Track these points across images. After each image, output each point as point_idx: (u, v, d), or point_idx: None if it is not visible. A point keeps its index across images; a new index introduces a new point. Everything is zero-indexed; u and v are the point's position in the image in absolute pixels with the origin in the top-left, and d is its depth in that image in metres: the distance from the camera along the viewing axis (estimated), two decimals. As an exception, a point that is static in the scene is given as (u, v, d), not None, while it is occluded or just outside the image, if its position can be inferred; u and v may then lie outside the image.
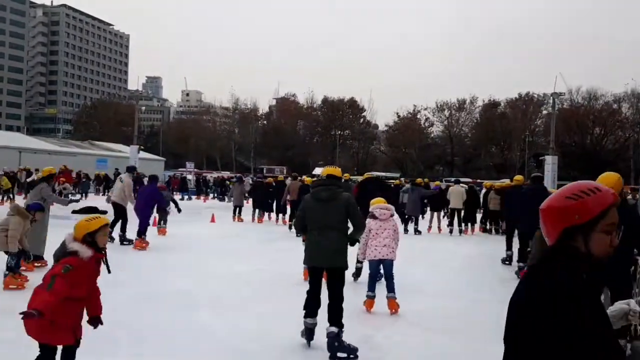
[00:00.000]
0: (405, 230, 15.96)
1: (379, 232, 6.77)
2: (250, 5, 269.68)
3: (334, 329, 5.05)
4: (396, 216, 7.56)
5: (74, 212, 16.46)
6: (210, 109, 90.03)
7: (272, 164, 68.02)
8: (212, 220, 18.11)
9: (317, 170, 47.34)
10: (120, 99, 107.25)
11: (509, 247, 11.14)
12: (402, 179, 33.04)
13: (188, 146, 77.44)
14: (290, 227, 15.18)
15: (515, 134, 67.59)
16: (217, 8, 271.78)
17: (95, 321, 3.77)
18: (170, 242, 12.41)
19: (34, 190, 9.38)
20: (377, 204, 7.03)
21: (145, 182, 16.05)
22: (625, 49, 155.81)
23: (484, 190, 18.89)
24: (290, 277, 8.27)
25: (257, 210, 18.73)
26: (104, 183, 32.64)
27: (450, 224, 16.96)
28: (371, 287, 6.78)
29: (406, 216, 16.72)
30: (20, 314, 3.36)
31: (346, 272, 5.39)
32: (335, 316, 5.12)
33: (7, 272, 7.38)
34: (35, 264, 8.55)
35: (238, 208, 19.14)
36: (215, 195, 35.16)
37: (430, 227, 17.09)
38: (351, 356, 5.03)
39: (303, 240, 6.12)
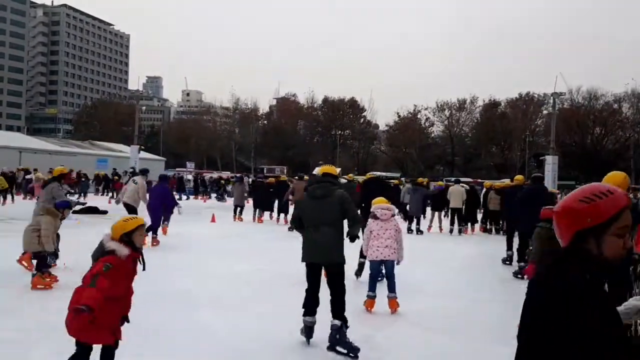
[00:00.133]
0: (409, 230, 15.94)
1: (380, 233, 6.77)
2: (251, 5, 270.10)
3: (337, 322, 5.17)
4: (397, 217, 7.57)
5: (74, 212, 16.46)
6: (211, 109, 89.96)
7: (272, 164, 68.00)
8: (213, 220, 18.11)
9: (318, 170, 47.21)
10: (121, 99, 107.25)
11: (509, 247, 11.13)
12: (403, 178, 33.07)
13: (188, 146, 77.43)
14: (291, 229, 15.18)
15: (515, 134, 67.53)
16: (218, 8, 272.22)
17: (123, 320, 3.84)
18: (170, 242, 12.41)
19: (46, 190, 9.40)
20: (379, 204, 7.02)
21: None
22: (626, 48, 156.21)
23: (484, 190, 18.91)
24: (290, 277, 8.26)
25: (257, 210, 18.77)
26: (104, 183, 32.64)
27: (451, 223, 16.99)
28: (372, 287, 6.78)
29: (409, 216, 16.76)
30: (70, 309, 3.39)
31: (345, 266, 5.45)
32: (338, 310, 5.22)
33: (35, 272, 7.41)
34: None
35: (239, 208, 19.16)
36: (212, 194, 35.17)
37: (430, 226, 17.11)
38: (350, 354, 5.06)
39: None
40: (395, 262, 6.75)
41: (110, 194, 29.09)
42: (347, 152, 79.73)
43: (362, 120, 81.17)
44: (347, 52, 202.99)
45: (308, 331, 5.34)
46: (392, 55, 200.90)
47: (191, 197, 33.25)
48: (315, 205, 5.39)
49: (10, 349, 4.93)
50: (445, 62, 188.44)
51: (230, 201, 30.35)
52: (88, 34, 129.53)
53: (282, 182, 19.72)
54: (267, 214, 18.99)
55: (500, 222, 16.45)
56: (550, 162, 31.76)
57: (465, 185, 19.81)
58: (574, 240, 1.63)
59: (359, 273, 8.61)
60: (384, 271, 6.91)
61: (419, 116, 76.06)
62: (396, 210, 7.22)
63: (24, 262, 8.58)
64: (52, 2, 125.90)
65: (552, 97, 42.24)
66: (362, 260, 8.51)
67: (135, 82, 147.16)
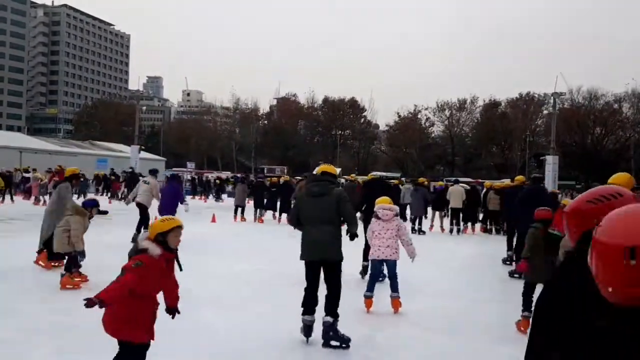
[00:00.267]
0: (412, 230, 15.95)
1: (381, 233, 6.77)
2: (251, 4, 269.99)
3: (330, 319, 5.24)
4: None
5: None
6: (211, 109, 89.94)
7: (272, 164, 68.01)
8: (213, 220, 18.12)
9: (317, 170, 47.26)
10: (121, 99, 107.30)
11: (510, 247, 11.13)
12: (403, 179, 33.05)
13: (189, 146, 77.40)
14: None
15: (515, 134, 67.52)
16: (218, 8, 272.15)
17: (172, 311, 3.94)
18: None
19: (57, 190, 9.40)
20: (381, 204, 7.02)
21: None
22: (626, 48, 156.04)
23: (484, 190, 18.93)
24: (290, 277, 8.25)
25: (257, 210, 18.80)
26: (103, 183, 32.61)
27: (451, 223, 17.01)
28: (370, 287, 6.78)
29: (411, 216, 16.79)
30: (84, 300, 3.39)
31: (349, 266, 5.52)
32: (332, 307, 5.29)
33: (64, 272, 7.44)
34: (53, 264, 8.58)
35: (240, 208, 19.18)
36: (209, 194, 35.18)
37: (432, 225, 17.15)
38: (343, 345, 5.21)
39: None
40: (396, 262, 6.75)
41: (109, 194, 29.05)
42: (347, 152, 79.73)
43: (362, 120, 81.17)
44: (347, 52, 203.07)
45: (307, 330, 5.38)
46: (392, 55, 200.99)
47: (188, 197, 33.21)
48: (312, 203, 5.47)
49: (10, 349, 4.93)
50: (445, 62, 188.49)
51: (227, 201, 30.42)
52: (88, 34, 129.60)
53: (285, 182, 19.81)
54: (269, 213, 19.08)
55: (501, 222, 16.47)
56: (551, 162, 31.78)
57: (465, 185, 19.83)
58: (581, 240, 1.64)
59: (363, 273, 8.62)
60: (385, 271, 6.91)
61: (419, 116, 76.12)
62: (398, 210, 7.21)
63: (40, 262, 8.62)
64: (53, 2, 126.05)
65: (552, 97, 42.25)
66: (365, 263, 8.52)
67: (136, 82, 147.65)
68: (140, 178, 17.90)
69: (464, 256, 12.30)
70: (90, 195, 29.22)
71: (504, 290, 8.62)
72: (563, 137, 60.88)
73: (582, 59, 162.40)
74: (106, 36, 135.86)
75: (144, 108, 73.91)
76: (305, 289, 5.45)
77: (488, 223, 17.63)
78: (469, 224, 17.37)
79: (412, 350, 5.43)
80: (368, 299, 6.76)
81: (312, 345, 5.35)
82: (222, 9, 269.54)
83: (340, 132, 79.60)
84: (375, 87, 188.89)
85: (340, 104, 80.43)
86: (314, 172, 6.02)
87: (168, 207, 12.20)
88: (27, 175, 26.82)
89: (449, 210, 17.46)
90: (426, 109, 75.77)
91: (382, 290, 7.10)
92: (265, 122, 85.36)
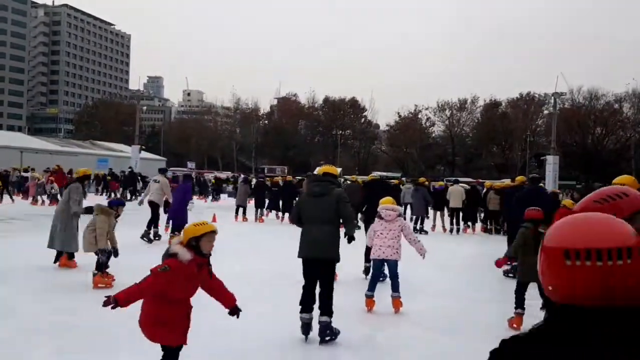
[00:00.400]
0: (414, 230, 15.96)
1: (383, 233, 6.78)
2: (251, 4, 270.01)
3: (326, 319, 5.36)
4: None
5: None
6: (212, 109, 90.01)
7: (273, 164, 68.02)
8: (214, 220, 18.10)
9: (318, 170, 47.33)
10: (122, 99, 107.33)
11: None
12: (404, 178, 33.06)
13: (189, 146, 77.42)
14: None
15: (516, 134, 67.50)
16: (218, 8, 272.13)
17: (234, 312, 4.02)
18: (171, 242, 12.42)
19: (67, 190, 9.42)
20: (385, 204, 7.02)
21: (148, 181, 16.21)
22: (626, 48, 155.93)
23: (484, 190, 18.94)
24: (291, 277, 8.23)
25: (258, 210, 18.83)
26: (103, 183, 32.63)
27: (451, 223, 17.02)
28: (371, 286, 6.79)
29: (411, 216, 16.81)
30: (105, 297, 3.47)
31: (352, 266, 5.56)
32: (326, 306, 5.38)
33: (95, 272, 7.47)
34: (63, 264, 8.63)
35: (242, 208, 19.19)
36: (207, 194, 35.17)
37: (434, 225, 17.17)
38: (333, 337, 5.39)
39: None
40: (397, 262, 6.73)
41: (108, 195, 29.06)
42: (348, 152, 79.75)
43: (362, 120, 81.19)
44: (348, 52, 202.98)
45: (305, 328, 5.43)
46: (392, 55, 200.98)
47: (194, 196, 33.22)
48: (313, 203, 5.55)
49: (10, 349, 4.93)
50: (446, 62, 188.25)
51: (227, 201, 30.41)
52: (89, 34, 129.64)
53: (287, 182, 19.89)
54: (272, 213, 19.18)
55: (501, 222, 16.48)
56: (551, 162, 31.81)
57: (466, 185, 19.83)
58: None
59: (366, 273, 8.62)
60: (386, 271, 6.91)
61: (419, 116, 76.13)
62: (402, 210, 7.22)
63: (66, 264, 8.66)
64: (53, 2, 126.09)
65: (553, 97, 42.28)
66: (367, 264, 8.52)
67: (136, 82, 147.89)
68: (139, 178, 17.97)
69: (464, 256, 12.29)
70: (90, 195, 29.28)
71: (504, 290, 8.59)
72: (563, 137, 60.84)
73: (582, 59, 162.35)
74: (107, 36, 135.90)
75: (145, 108, 74.03)
76: (303, 287, 5.50)
77: (488, 223, 17.64)
78: (470, 224, 17.39)
79: (413, 350, 5.43)
80: (369, 298, 6.77)
81: (312, 344, 5.36)
82: (222, 9, 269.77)
83: (340, 132, 79.62)
84: (376, 87, 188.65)
85: (341, 103, 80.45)
86: (314, 172, 6.05)
87: (179, 207, 12.46)
88: (25, 175, 26.82)
89: (449, 210, 17.48)
90: (427, 108, 75.89)
91: (383, 290, 7.10)
92: (266, 122, 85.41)
